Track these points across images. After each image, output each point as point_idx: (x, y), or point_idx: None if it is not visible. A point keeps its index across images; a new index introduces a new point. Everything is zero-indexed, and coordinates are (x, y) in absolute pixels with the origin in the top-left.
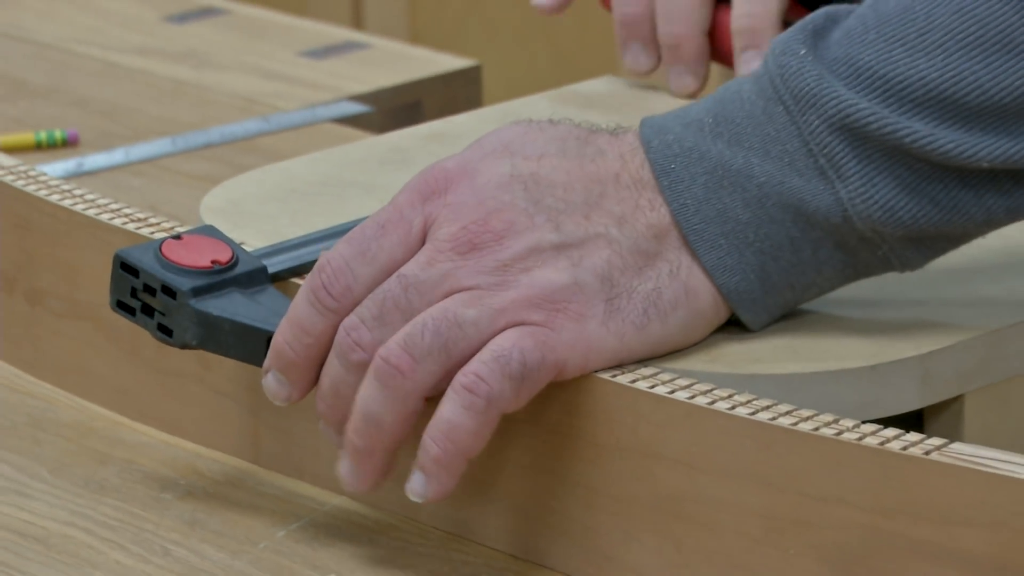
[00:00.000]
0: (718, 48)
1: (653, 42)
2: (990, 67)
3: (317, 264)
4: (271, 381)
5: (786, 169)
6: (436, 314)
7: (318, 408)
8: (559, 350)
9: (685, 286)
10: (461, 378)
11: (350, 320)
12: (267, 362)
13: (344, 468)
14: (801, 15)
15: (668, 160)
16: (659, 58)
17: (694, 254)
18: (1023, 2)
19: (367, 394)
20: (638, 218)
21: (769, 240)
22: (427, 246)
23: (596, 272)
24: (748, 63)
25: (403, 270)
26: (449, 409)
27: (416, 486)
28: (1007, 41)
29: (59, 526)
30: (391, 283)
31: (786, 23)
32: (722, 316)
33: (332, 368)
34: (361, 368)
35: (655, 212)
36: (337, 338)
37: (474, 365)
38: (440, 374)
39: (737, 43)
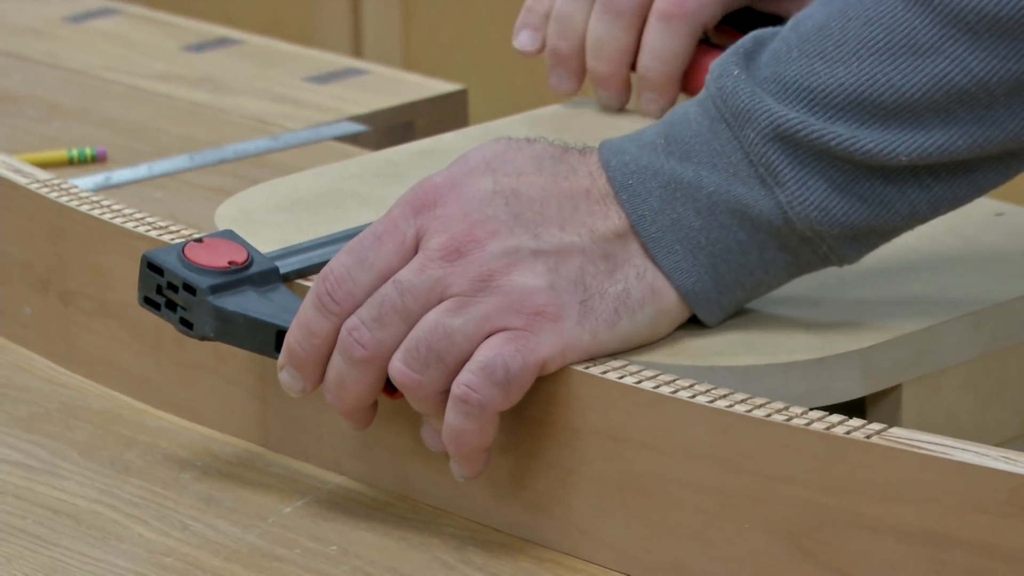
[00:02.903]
0: (694, 86)
1: (580, 72)
2: (900, 68)
3: (321, 273)
4: (286, 376)
5: (731, 179)
6: (427, 328)
7: (326, 399)
8: (539, 350)
9: (651, 287)
10: (455, 389)
11: (352, 321)
12: (281, 360)
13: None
14: (731, 35)
15: (626, 177)
16: (580, 84)
17: (654, 259)
18: (923, 7)
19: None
20: (607, 228)
21: (719, 244)
22: (419, 254)
23: (570, 278)
24: (648, 103)
25: (398, 276)
26: (452, 416)
27: (455, 471)
28: (912, 43)
29: (88, 503)
30: (388, 288)
31: (715, 46)
32: (685, 313)
33: (336, 364)
34: (362, 364)
35: (621, 222)
36: (340, 337)
37: (464, 376)
38: (444, 378)
39: (641, 85)
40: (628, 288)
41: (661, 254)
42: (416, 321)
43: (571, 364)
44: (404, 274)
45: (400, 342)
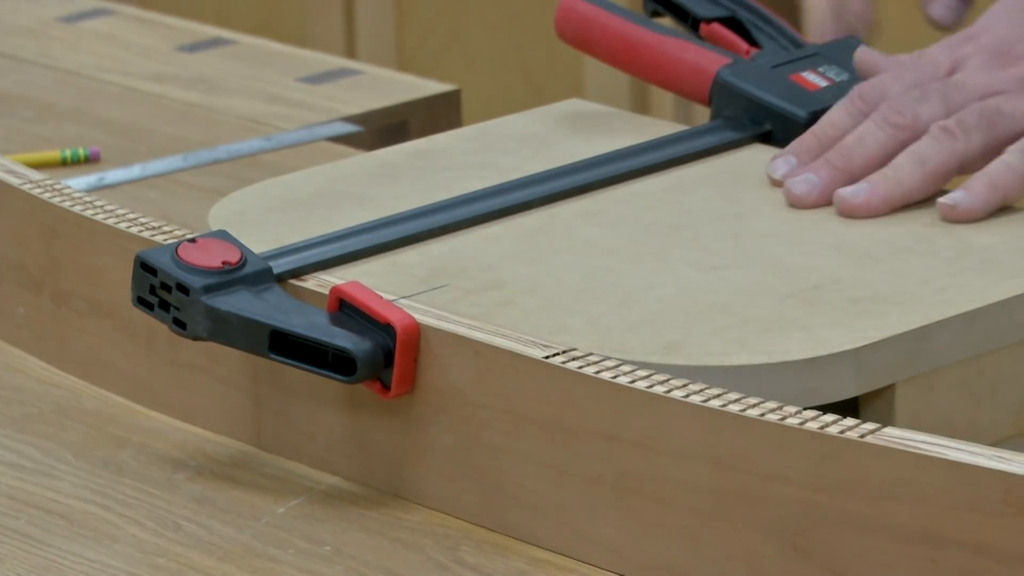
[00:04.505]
0: (669, 79)
1: None
2: None
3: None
4: (779, 162)
5: None
6: (979, 105)
7: (829, 157)
8: None
9: None
10: (1020, 142)
11: (893, 99)
12: (787, 149)
13: (858, 191)
14: (720, 35)
15: None
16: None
17: None
18: None
19: (922, 144)
20: None
21: None
22: (962, 71)
23: None
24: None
25: (949, 78)
26: (1006, 156)
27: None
28: None
29: (81, 504)
30: (935, 82)
31: (702, 40)
32: None
33: (863, 127)
34: (893, 128)
35: None
36: (878, 109)
37: None
38: (982, 148)
39: None
40: None
41: None
42: (955, 112)
43: (562, 363)
44: (954, 76)
45: (935, 123)
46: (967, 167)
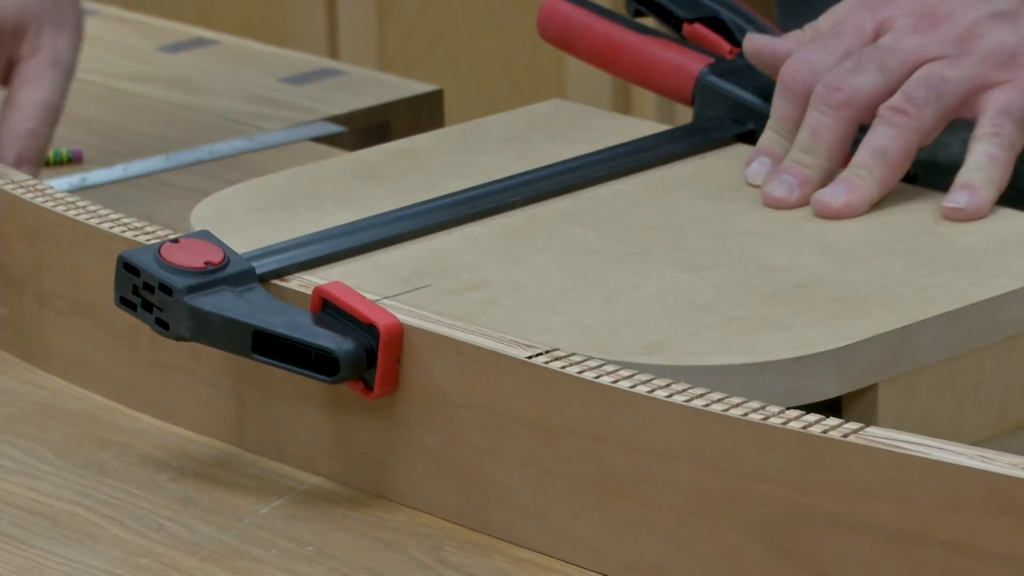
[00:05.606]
0: (651, 79)
1: None
2: None
3: (782, 68)
4: (756, 165)
5: None
6: (923, 74)
7: (792, 156)
8: None
9: None
10: (986, 127)
11: (828, 76)
12: (753, 152)
13: (838, 194)
14: (702, 35)
15: None
16: None
17: None
18: None
19: (879, 134)
20: None
21: None
22: (890, 33)
23: None
24: None
25: (877, 42)
26: (985, 147)
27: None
28: None
29: (64, 504)
30: (867, 49)
31: (684, 41)
32: None
33: (810, 118)
34: (838, 108)
35: None
36: (816, 92)
37: (991, 118)
38: (934, 120)
39: None
40: None
41: None
42: (893, 77)
43: (545, 364)
44: (883, 40)
45: (876, 92)
46: (925, 142)
